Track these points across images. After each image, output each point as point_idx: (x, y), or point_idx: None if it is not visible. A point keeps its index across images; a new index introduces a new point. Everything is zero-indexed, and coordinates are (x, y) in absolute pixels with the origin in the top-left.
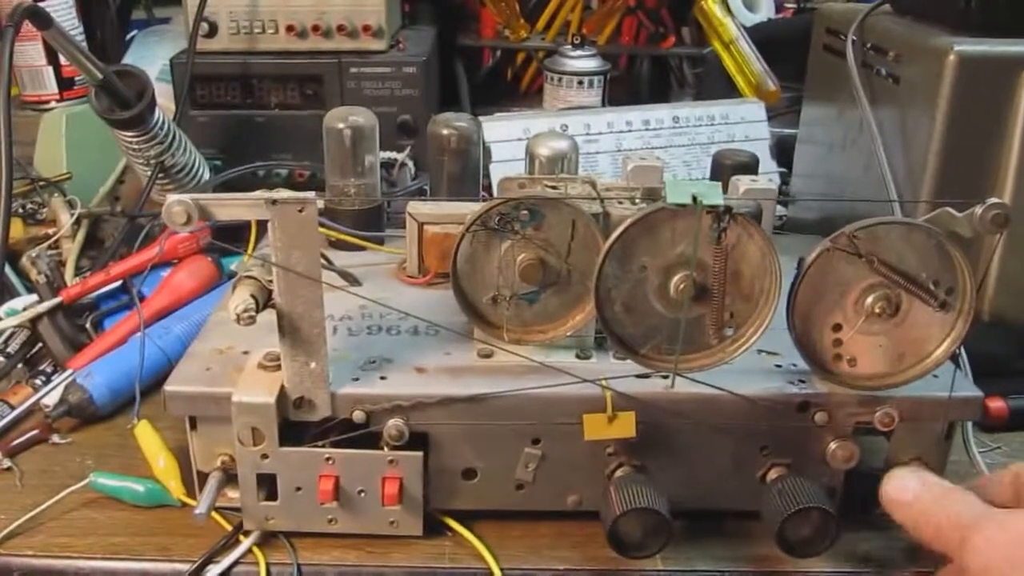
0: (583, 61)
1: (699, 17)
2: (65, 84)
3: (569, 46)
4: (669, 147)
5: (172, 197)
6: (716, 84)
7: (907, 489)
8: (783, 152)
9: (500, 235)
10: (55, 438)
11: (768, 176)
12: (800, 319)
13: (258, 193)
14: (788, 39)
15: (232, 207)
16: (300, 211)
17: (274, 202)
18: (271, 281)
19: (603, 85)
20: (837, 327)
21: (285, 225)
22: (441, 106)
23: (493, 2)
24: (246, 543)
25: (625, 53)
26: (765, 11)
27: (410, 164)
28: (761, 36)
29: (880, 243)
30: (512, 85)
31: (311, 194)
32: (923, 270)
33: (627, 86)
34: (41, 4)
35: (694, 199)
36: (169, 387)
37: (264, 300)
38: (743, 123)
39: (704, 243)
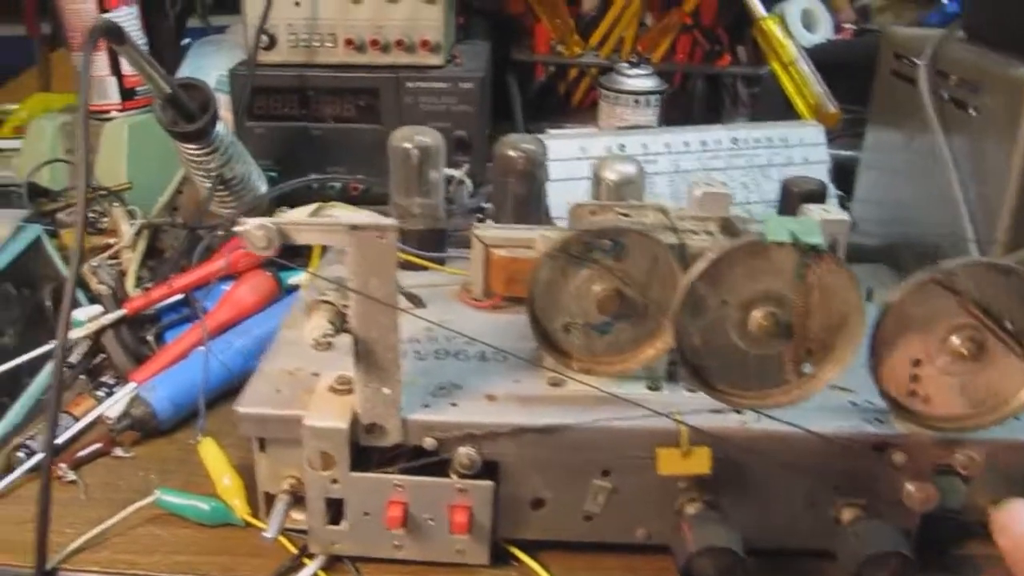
0: (640, 80)
1: (758, 37)
2: (127, 94)
3: (626, 64)
4: (727, 169)
5: (253, 221)
6: (771, 104)
7: (1020, 520)
8: (840, 175)
9: (581, 263)
10: (118, 451)
11: (838, 207)
12: (880, 352)
13: (337, 219)
14: (847, 61)
15: (312, 232)
16: (380, 238)
17: (354, 228)
18: (346, 305)
19: (659, 104)
20: (916, 363)
21: (364, 251)
22: (494, 121)
23: (548, 18)
24: (311, 567)
25: (679, 71)
26: (824, 32)
27: (467, 181)
28: (820, 57)
29: (973, 282)
30: (563, 101)
31: (391, 221)
32: (1010, 315)
33: (680, 104)
34: (110, 16)
35: (794, 238)
36: (241, 408)
37: (340, 325)
38: (802, 146)
39: (785, 278)
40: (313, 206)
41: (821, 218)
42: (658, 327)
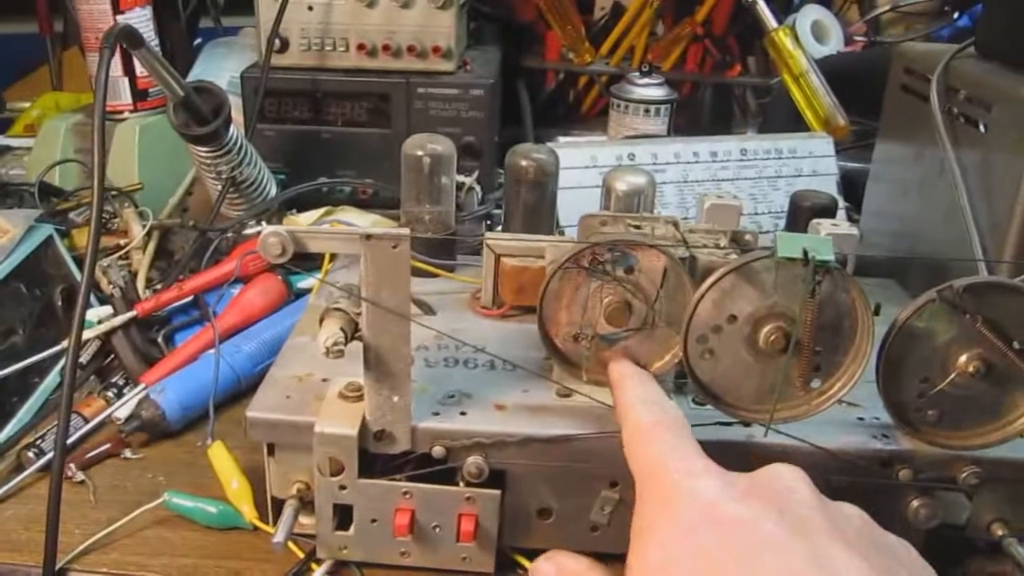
0: (650, 89)
1: (769, 48)
2: (139, 95)
3: (636, 73)
4: (736, 179)
5: (268, 228)
6: (781, 115)
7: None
8: (848, 187)
9: (591, 274)
10: (127, 453)
11: (847, 221)
12: (888, 368)
13: (351, 228)
14: (857, 73)
15: (326, 241)
16: (393, 247)
17: (368, 237)
18: (359, 313)
19: (669, 114)
20: (924, 380)
21: (377, 260)
22: (503, 128)
23: (559, 25)
24: (319, 572)
25: (689, 80)
26: (834, 44)
27: (477, 188)
28: (829, 69)
29: (983, 301)
30: (572, 108)
31: (405, 230)
32: (1018, 334)
33: (689, 113)
34: (124, 18)
35: (805, 254)
36: (251, 413)
37: (352, 332)
38: (811, 158)
39: (794, 293)
40: (322, 210)
41: (830, 233)
42: (668, 338)
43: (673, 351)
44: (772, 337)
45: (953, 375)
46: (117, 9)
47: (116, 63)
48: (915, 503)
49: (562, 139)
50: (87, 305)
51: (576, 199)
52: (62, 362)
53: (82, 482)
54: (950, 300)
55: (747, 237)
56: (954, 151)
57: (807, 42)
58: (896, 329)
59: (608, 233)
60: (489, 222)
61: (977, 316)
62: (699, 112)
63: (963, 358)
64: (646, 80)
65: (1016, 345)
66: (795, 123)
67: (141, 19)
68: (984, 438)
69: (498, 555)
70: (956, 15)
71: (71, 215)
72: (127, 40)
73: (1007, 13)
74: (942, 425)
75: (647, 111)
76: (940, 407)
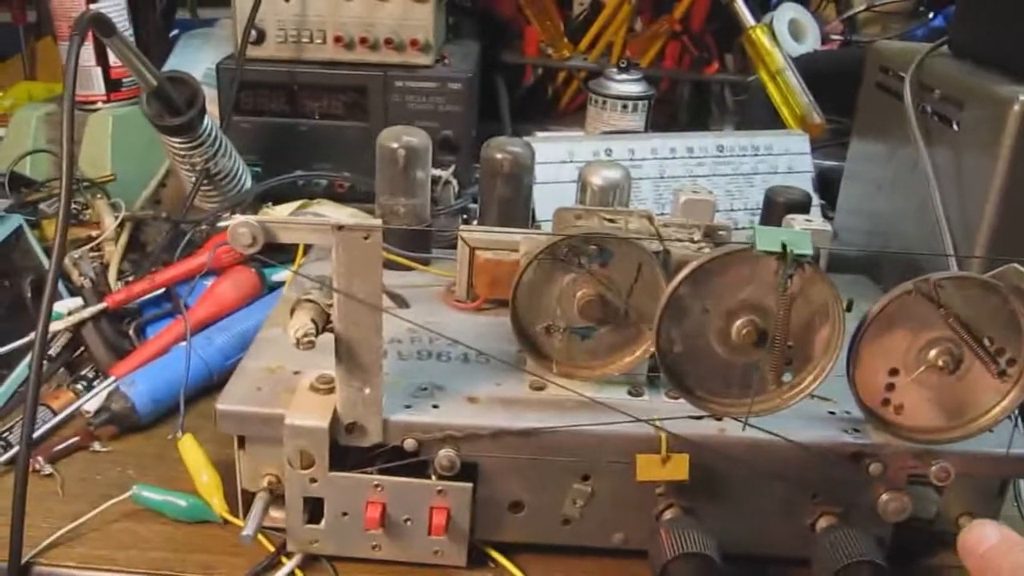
0: (628, 85)
1: (746, 46)
2: (112, 85)
3: (615, 69)
4: (712, 176)
5: (238, 218)
6: (757, 112)
7: (986, 538)
8: (823, 185)
9: (565, 267)
10: (96, 446)
11: (821, 217)
12: (858, 362)
13: (323, 218)
14: (833, 72)
15: (297, 231)
16: (365, 238)
17: (340, 228)
18: (330, 305)
19: (647, 110)
20: (893, 372)
21: (349, 251)
22: (481, 122)
23: (538, 20)
24: (289, 565)
25: (667, 77)
26: (811, 42)
27: (454, 182)
28: (806, 67)
29: (955, 296)
30: (551, 103)
31: (377, 221)
32: (988, 331)
33: (667, 110)
34: (97, 7)
35: (784, 248)
36: (221, 406)
37: (323, 324)
38: (787, 155)
39: (766, 288)
40: (298, 203)
41: (803, 228)
42: (639, 333)
43: (645, 346)
44: (744, 331)
45: (922, 369)
46: None
47: (89, 53)
48: (885, 497)
49: (540, 134)
50: (54, 296)
51: (553, 194)
52: (31, 354)
53: (50, 475)
54: (924, 293)
55: (721, 231)
56: (927, 149)
57: (784, 40)
58: (866, 323)
59: (581, 226)
60: (466, 216)
61: (949, 310)
62: (677, 109)
63: (932, 353)
64: (624, 76)
65: (986, 341)
66: (772, 121)
67: (115, 8)
68: (952, 433)
69: (470, 549)
70: (931, 15)
71: (42, 206)
72: (98, 27)
73: (979, 12)
74: (911, 419)
75: (624, 107)
76: (909, 401)
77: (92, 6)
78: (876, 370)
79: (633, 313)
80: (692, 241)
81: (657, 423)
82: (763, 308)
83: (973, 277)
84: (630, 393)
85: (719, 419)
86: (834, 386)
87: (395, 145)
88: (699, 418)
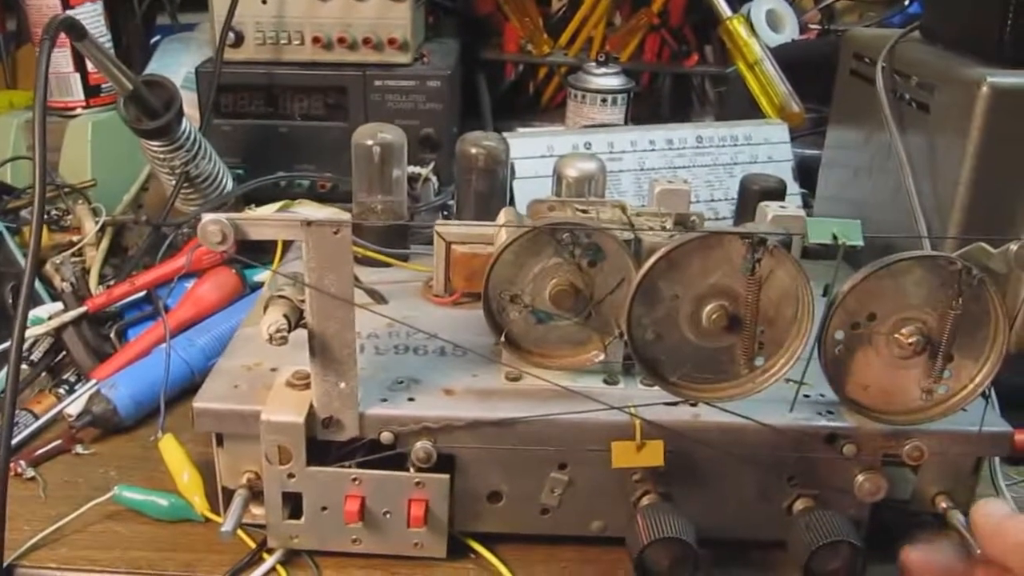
0: (607, 79)
1: (724, 37)
2: (91, 91)
3: (593, 63)
4: (692, 167)
5: (208, 216)
6: (738, 103)
7: (993, 514)
8: (804, 173)
9: (556, 250)
10: (78, 448)
11: (797, 204)
12: (828, 345)
13: (293, 214)
14: (811, 61)
15: (267, 227)
16: (335, 233)
17: (309, 224)
18: (303, 300)
19: (627, 103)
20: (865, 355)
21: (319, 246)
22: (463, 120)
23: (517, 17)
24: (270, 561)
25: (647, 70)
26: (789, 32)
27: (433, 179)
28: (784, 57)
29: (922, 276)
30: (533, 99)
31: (346, 216)
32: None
33: (648, 103)
34: (73, 13)
35: (834, 238)
36: (198, 404)
37: (296, 320)
38: (766, 144)
39: (735, 273)
40: (280, 203)
41: (776, 215)
42: (589, 339)
43: (591, 354)
44: (714, 316)
45: (893, 350)
46: (67, 5)
47: (67, 58)
48: (860, 478)
49: (522, 130)
50: (30, 300)
51: (533, 188)
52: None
53: (32, 478)
54: (892, 273)
55: (692, 218)
56: (901, 134)
57: (762, 31)
58: (835, 304)
59: (554, 216)
60: (445, 213)
61: (916, 290)
62: (658, 102)
63: (902, 333)
64: (603, 70)
65: (952, 320)
66: (752, 111)
67: (91, 14)
68: (925, 413)
69: (450, 540)
70: (907, 2)
71: (23, 213)
72: (69, 31)
73: None
74: (884, 400)
75: (604, 100)
76: (881, 382)
77: (69, 12)
78: (848, 354)
79: (595, 319)
80: (663, 229)
81: (632, 410)
82: (733, 293)
83: (937, 256)
84: (606, 382)
85: (693, 405)
86: (808, 369)
87: (370, 142)
88: (674, 404)
